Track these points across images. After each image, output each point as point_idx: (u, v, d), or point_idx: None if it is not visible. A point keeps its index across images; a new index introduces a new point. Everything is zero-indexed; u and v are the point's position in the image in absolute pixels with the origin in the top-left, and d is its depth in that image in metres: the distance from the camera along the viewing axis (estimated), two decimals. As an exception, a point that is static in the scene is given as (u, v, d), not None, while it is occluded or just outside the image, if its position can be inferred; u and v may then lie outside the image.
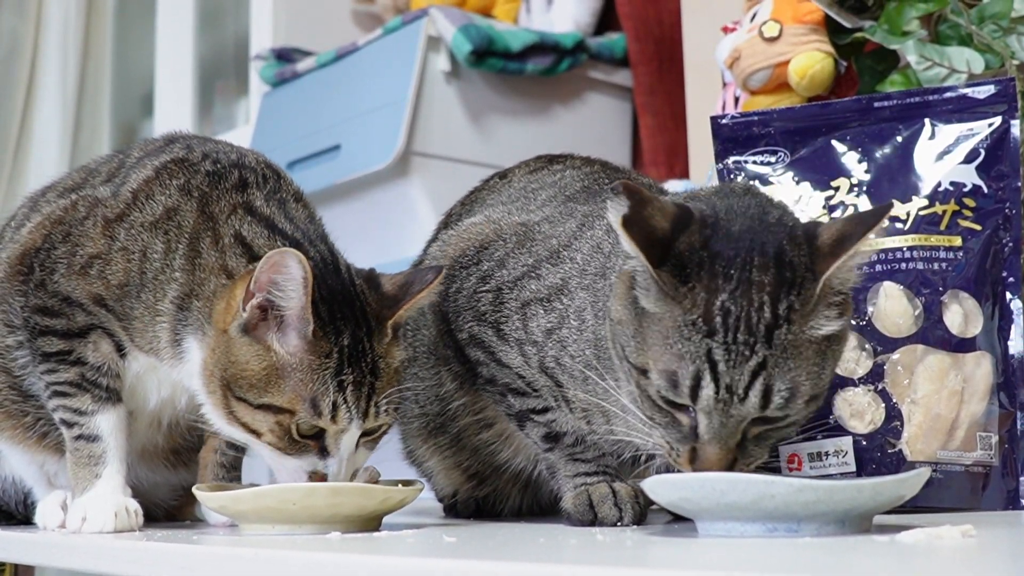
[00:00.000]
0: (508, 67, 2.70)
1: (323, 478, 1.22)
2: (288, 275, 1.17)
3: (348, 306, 1.22)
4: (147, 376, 1.35)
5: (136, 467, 1.42)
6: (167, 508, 1.53)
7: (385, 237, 2.81)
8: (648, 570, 0.82)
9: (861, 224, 1.06)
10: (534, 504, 1.44)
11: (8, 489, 1.48)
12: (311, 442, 1.20)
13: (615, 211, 1.02)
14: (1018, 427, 1.37)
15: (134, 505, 1.31)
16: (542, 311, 1.23)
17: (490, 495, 1.44)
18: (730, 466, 1.02)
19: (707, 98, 2.28)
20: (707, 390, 0.99)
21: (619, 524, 1.20)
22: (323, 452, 1.21)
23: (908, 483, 0.99)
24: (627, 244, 1.02)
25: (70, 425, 1.34)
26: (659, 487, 1.02)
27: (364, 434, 1.23)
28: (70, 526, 1.29)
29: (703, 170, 2.31)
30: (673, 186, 2.22)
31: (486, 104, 2.76)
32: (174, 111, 3.68)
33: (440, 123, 2.72)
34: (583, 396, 1.20)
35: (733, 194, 1.11)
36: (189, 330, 1.27)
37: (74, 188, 1.42)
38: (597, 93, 2.97)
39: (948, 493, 1.32)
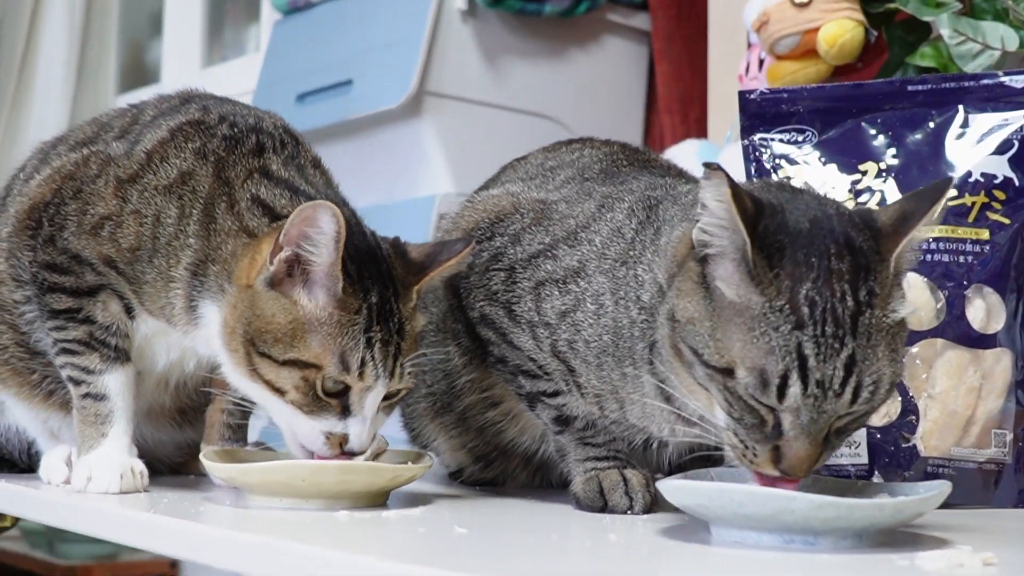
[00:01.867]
0: (526, 8, 2.64)
1: (343, 440, 1.19)
2: (320, 229, 1.15)
3: (375, 266, 1.20)
4: (156, 339, 1.34)
5: (142, 426, 1.40)
6: (172, 464, 1.52)
7: (395, 177, 2.78)
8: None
9: (922, 200, 1.04)
10: (543, 483, 1.42)
11: (12, 438, 1.47)
12: (334, 401, 1.18)
13: (717, 186, 0.98)
14: (1034, 426, 1.36)
15: (140, 466, 1.30)
16: (557, 292, 1.20)
17: (497, 477, 1.43)
18: (815, 463, 0.98)
19: (730, 56, 2.24)
20: (794, 388, 0.95)
21: (629, 512, 1.19)
22: (345, 412, 1.18)
23: (930, 501, 0.98)
24: (728, 217, 0.98)
25: (77, 383, 1.33)
26: (676, 492, 1.00)
27: (384, 397, 1.21)
28: (75, 485, 1.28)
29: (722, 129, 2.27)
30: (689, 146, 2.19)
31: (502, 45, 2.71)
32: (182, 33, 3.62)
33: (455, 63, 2.68)
34: (596, 383, 1.18)
35: (782, 188, 1.08)
36: (206, 295, 1.25)
37: (86, 142, 1.39)
38: (615, 36, 2.91)
39: (959, 491, 1.30)
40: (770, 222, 0.99)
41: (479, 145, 2.73)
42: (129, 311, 1.32)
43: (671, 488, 1.00)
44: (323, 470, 1.17)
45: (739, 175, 1.58)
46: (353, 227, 1.23)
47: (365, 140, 2.77)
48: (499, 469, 1.42)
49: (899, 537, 1.00)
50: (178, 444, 1.51)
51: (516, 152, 2.74)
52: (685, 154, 2.13)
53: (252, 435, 1.46)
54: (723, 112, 2.24)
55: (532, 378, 1.26)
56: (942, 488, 0.99)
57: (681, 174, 1.39)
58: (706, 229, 1.01)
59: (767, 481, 1.00)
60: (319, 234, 1.15)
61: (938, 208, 1.04)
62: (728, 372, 0.98)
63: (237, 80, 3.50)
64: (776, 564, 0.91)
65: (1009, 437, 1.34)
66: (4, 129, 3.73)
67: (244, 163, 1.28)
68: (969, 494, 1.32)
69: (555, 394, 1.25)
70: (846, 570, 0.89)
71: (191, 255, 1.26)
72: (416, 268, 1.24)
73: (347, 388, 1.17)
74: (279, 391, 1.18)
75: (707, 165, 0.99)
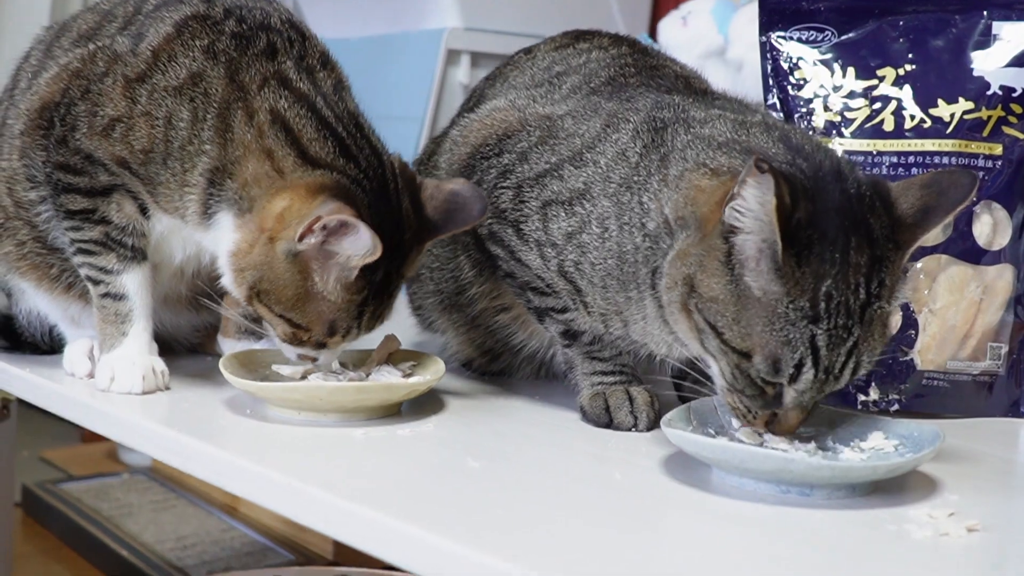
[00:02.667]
0: None
1: (313, 359, 1.27)
2: (357, 241, 1.16)
3: (390, 238, 1.20)
4: (172, 236, 1.35)
5: (160, 312, 1.43)
6: (190, 345, 1.56)
7: (403, 7, 2.72)
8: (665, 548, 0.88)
9: (945, 197, 1.07)
10: (548, 376, 1.46)
11: (33, 322, 1.50)
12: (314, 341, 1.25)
13: (764, 192, 0.98)
14: (1030, 339, 1.39)
15: (161, 365, 1.34)
16: (563, 213, 1.21)
17: (504, 369, 1.47)
18: (801, 424, 1.07)
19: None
20: (807, 375, 1.02)
21: (633, 430, 1.23)
22: (320, 347, 1.25)
23: (923, 459, 1.02)
24: (768, 223, 0.99)
25: (96, 283, 1.35)
26: (679, 440, 1.04)
27: None
28: (99, 383, 1.32)
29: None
30: (705, 3, 2.13)
31: None
32: None
33: None
34: (602, 303, 1.21)
35: (802, 150, 1.08)
36: (223, 205, 1.26)
37: (89, 34, 1.37)
38: None
39: (952, 402, 1.36)
40: (803, 214, 1.00)
41: (490, -23, 2.66)
42: (144, 211, 1.33)
43: (677, 437, 1.04)
44: (341, 391, 1.21)
45: (754, 39, 1.56)
46: (376, 183, 1.22)
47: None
48: (506, 363, 1.47)
49: (890, 484, 1.04)
50: (195, 326, 1.55)
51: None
52: (701, 11, 2.09)
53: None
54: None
55: (541, 295, 1.28)
56: (935, 444, 1.03)
57: (689, 84, 1.35)
58: (740, 217, 1.02)
59: None
60: (355, 241, 1.16)
61: (961, 208, 1.06)
62: (745, 355, 1.03)
63: None
64: (771, 523, 0.96)
65: (1004, 349, 1.37)
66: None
67: (258, 66, 1.27)
68: (962, 405, 1.36)
69: (563, 310, 1.27)
70: (838, 537, 0.94)
71: (207, 161, 1.26)
72: (430, 226, 1.24)
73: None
74: (271, 324, 1.25)
75: (757, 165, 0.98)
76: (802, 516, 0.97)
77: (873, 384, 1.35)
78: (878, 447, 1.09)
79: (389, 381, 1.26)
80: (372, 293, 1.21)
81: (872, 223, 1.03)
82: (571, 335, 1.29)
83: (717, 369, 1.07)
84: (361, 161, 1.23)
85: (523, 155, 1.27)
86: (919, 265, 1.35)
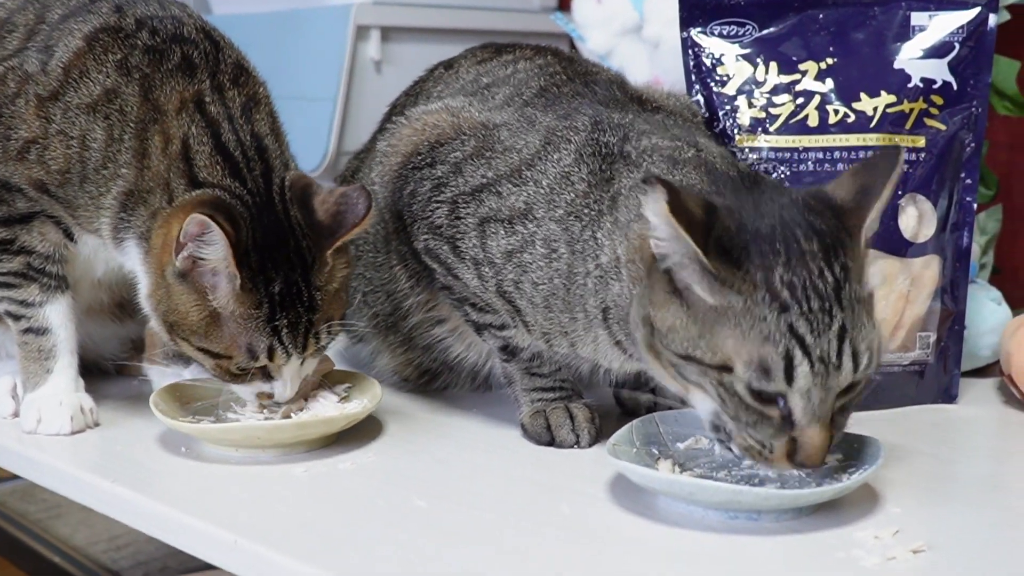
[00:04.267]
0: None
1: (270, 395, 1.23)
2: (211, 236, 1.13)
3: (282, 247, 1.18)
4: (97, 255, 1.33)
5: (85, 324, 1.40)
6: (118, 363, 1.53)
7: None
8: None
9: (878, 172, 1.04)
10: (488, 388, 1.45)
11: (-51, 355, 1.46)
12: (255, 370, 1.20)
13: (655, 201, 0.96)
14: (956, 327, 1.41)
15: (89, 403, 1.32)
16: (502, 232, 1.19)
17: (444, 387, 1.46)
18: (828, 449, 1.00)
19: None
20: (803, 367, 0.95)
21: (576, 447, 1.24)
22: (267, 377, 1.21)
23: (866, 478, 1.04)
24: (673, 232, 0.97)
25: (17, 318, 1.32)
26: (625, 471, 1.05)
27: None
28: (25, 426, 1.29)
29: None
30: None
31: None
32: None
33: None
34: (543, 322, 1.19)
35: (726, 176, 1.07)
36: (130, 232, 1.24)
37: None
38: None
39: (885, 394, 1.38)
40: (729, 223, 0.99)
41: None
42: (69, 235, 1.30)
43: (625, 469, 1.04)
44: (280, 429, 1.19)
45: (670, 15, 1.53)
46: (262, 200, 1.19)
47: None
48: (444, 383, 1.45)
49: (835, 500, 1.05)
50: (121, 339, 1.52)
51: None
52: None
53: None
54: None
55: (480, 311, 1.27)
56: (877, 462, 1.05)
57: (623, 88, 1.33)
58: (659, 244, 1.00)
59: None
60: (210, 240, 1.13)
61: (896, 178, 1.04)
62: (724, 368, 0.98)
63: None
64: (720, 556, 0.97)
65: (933, 338, 1.40)
66: None
67: (174, 84, 1.24)
68: (895, 396, 1.38)
69: (502, 327, 1.26)
70: (786, 566, 0.95)
71: (122, 185, 1.23)
72: (326, 232, 1.20)
73: (264, 366, 1.20)
74: (200, 363, 1.21)
75: (645, 180, 0.97)
76: (751, 547, 0.98)
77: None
78: (822, 460, 1.10)
79: (328, 415, 1.23)
80: (278, 305, 1.17)
81: (811, 218, 1.00)
82: (510, 351, 1.28)
83: (693, 391, 1.02)
84: (247, 180, 1.20)
85: (457, 167, 1.24)
86: (848, 261, 1.36)
